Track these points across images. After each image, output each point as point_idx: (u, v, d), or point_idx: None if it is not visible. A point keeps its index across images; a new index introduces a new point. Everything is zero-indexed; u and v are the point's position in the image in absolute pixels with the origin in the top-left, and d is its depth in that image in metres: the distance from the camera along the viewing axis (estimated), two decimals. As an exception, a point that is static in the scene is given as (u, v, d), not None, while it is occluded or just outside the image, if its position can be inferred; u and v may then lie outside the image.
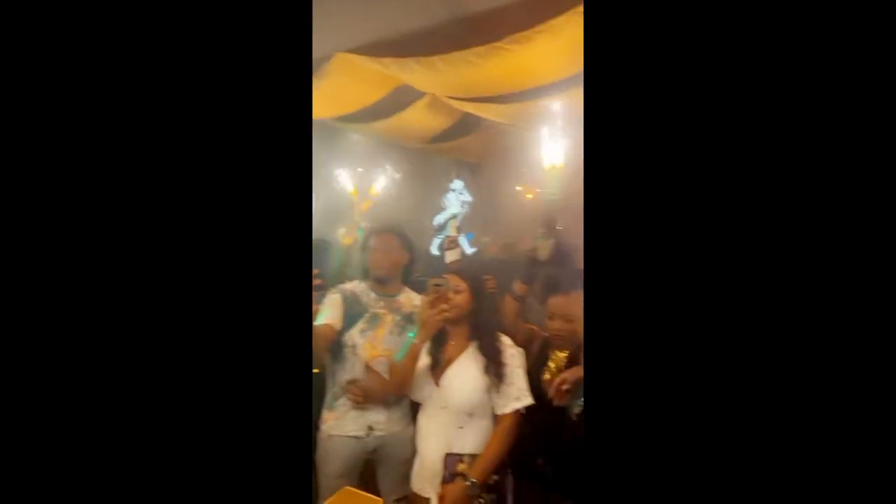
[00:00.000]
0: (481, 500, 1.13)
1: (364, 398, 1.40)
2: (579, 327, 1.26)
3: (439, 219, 2.68)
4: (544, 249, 1.27)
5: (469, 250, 3.32)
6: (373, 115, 2.97)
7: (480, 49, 1.87)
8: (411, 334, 1.23)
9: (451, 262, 2.04)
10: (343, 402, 1.46)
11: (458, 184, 3.18)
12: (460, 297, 1.27)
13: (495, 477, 1.15)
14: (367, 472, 1.57)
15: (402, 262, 1.51)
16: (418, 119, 3.09)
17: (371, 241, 1.55)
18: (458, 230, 3.23)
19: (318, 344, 1.38)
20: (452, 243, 2.91)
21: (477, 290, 1.30)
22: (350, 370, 1.47)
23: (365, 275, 1.56)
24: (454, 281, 1.30)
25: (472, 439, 1.21)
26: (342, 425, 1.46)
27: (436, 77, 2.22)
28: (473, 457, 1.18)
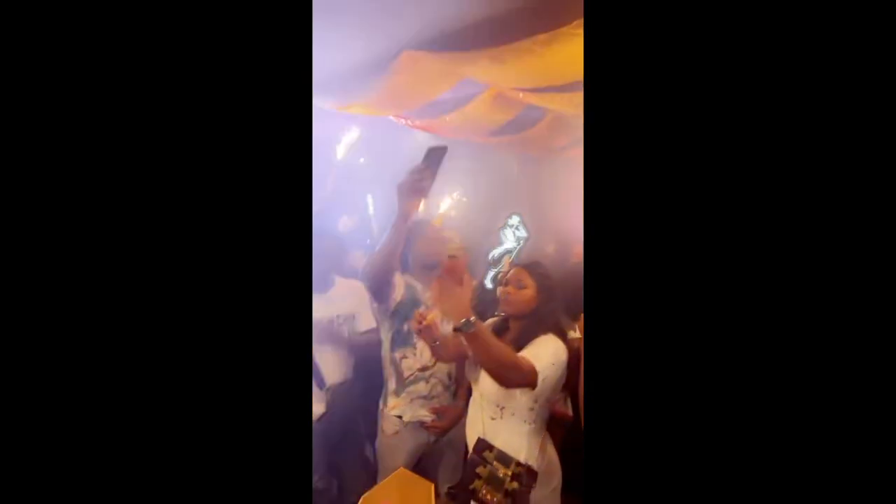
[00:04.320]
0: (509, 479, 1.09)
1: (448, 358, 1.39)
2: None
3: (495, 253, 2.72)
4: None
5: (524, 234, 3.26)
6: (436, 111, 3.01)
7: (544, 36, 1.81)
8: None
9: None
10: (410, 389, 1.51)
11: (515, 219, 3.17)
12: (525, 292, 1.26)
13: (520, 468, 1.10)
14: (426, 464, 1.59)
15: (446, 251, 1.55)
16: (482, 113, 3.07)
17: (419, 229, 1.59)
18: (511, 265, 3.21)
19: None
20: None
21: (542, 290, 1.28)
22: (419, 356, 1.51)
23: (408, 265, 1.60)
24: (521, 276, 1.30)
25: (502, 433, 1.17)
26: (410, 410, 1.50)
27: (500, 69, 2.19)
28: (502, 455, 1.13)
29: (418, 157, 1.26)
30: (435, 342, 1.25)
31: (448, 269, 1.03)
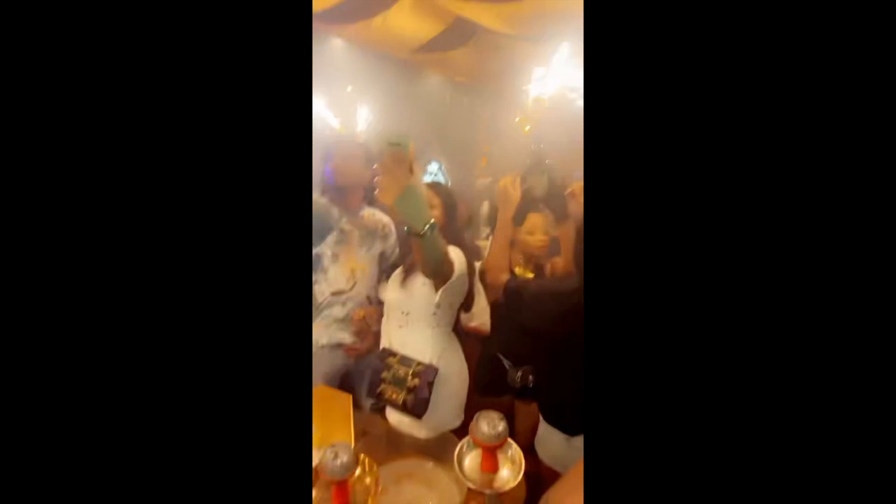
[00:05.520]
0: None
1: None
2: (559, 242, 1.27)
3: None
4: (541, 186, 1.23)
5: (442, 180, 3.26)
6: (353, 15, 2.67)
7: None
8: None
9: None
10: (326, 314, 1.45)
11: (434, 166, 3.05)
12: (434, 212, 1.27)
13: (420, 366, 1.16)
14: (349, 384, 1.58)
15: (365, 175, 1.47)
16: (404, 21, 2.80)
17: (334, 150, 1.48)
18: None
19: None
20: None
21: (449, 209, 1.30)
22: (334, 281, 1.45)
23: (324, 188, 1.50)
24: (428, 196, 1.28)
25: (409, 340, 1.21)
26: (327, 334, 1.46)
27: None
28: (405, 358, 1.17)
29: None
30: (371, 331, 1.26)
31: (394, 158, 0.82)
